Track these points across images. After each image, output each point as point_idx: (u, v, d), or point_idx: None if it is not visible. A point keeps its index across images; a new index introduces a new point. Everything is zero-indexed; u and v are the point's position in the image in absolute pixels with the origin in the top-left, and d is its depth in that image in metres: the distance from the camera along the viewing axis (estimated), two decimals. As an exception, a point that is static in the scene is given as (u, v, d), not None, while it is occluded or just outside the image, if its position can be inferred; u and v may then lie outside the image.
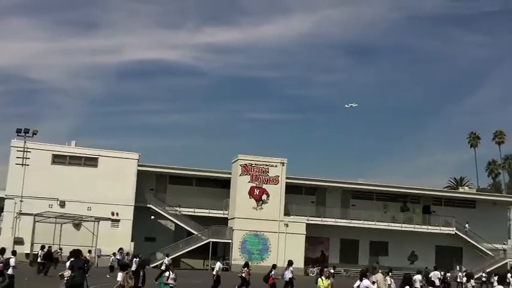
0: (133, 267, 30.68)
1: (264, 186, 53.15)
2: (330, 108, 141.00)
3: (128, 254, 41.36)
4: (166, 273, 19.19)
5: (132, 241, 49.01)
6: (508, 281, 36.93)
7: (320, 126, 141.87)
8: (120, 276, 14.69)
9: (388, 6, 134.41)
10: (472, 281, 27.08)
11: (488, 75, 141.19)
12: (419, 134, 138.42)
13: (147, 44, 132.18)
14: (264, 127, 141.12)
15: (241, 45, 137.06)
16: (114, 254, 40.98)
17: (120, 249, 42.45)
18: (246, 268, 25.77)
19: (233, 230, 52.41)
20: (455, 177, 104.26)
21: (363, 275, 16.87)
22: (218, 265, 26.75)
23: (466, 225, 58.64)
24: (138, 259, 31.59)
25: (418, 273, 25.96)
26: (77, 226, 47.20)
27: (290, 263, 26.64)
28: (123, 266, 15.28)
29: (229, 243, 52.43)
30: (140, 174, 51.46)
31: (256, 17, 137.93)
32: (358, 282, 16.66)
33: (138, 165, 51.52)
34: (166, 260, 31.92)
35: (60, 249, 39.35)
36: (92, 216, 45.41)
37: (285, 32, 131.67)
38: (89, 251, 38.00)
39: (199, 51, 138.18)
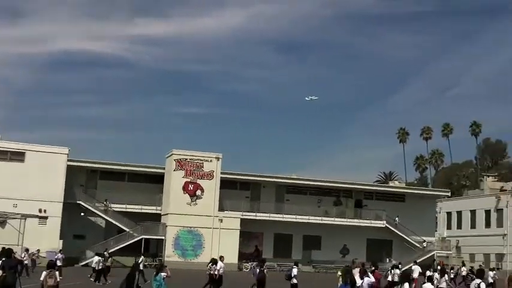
0: (94, 265, 30.16)
1: (199, 181, 52.50)
2: (263, 103, 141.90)
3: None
4: (163, 274, 18.01)
5: (60, 239, 47.25)
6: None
7: (253, 121, 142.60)
8: (43, 275, 14.39)
9: (319, 3, 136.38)
10: (446, 276, 25.32)
11: (416, 74, 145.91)
12: (350, 130, 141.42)
13: (74, 34, 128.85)
14: (196, 121, 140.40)
15: (173, 38, 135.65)
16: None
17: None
18: (214, 265, 24.57)
19: (166, 226, 51.51)
20: (385, 171, 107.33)
21: (364, 272, 16.24)
22: (220, 264, 24.77)
23: (396, 218, 60.02)
24: (102, 258, 30.79)
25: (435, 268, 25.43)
26: (2, 224, 45.10)
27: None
28: (49, 265, 14.83)
29: (162, 239, 51.53)
30: (70, 170, 49.65)
31: (190, 10, 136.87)
32: (359, 281, 15.91)
33: (68, 160, 49.69)
34: (142, 259, 31.69)
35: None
36: (18, 214, 43.36)
37: (218, 25, 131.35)
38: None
39: (130, 43, 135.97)
